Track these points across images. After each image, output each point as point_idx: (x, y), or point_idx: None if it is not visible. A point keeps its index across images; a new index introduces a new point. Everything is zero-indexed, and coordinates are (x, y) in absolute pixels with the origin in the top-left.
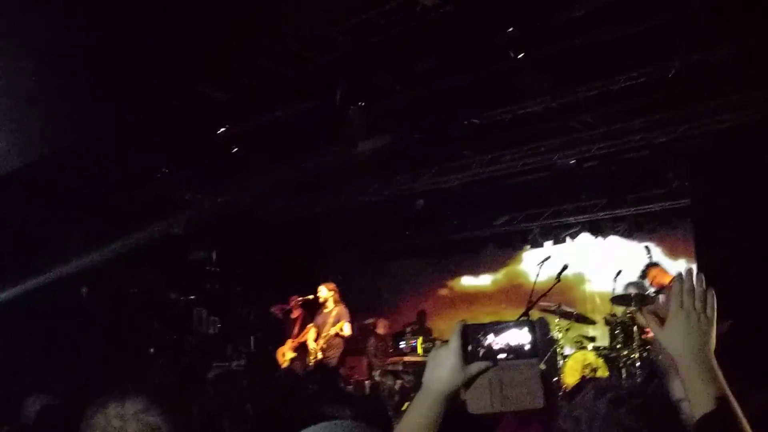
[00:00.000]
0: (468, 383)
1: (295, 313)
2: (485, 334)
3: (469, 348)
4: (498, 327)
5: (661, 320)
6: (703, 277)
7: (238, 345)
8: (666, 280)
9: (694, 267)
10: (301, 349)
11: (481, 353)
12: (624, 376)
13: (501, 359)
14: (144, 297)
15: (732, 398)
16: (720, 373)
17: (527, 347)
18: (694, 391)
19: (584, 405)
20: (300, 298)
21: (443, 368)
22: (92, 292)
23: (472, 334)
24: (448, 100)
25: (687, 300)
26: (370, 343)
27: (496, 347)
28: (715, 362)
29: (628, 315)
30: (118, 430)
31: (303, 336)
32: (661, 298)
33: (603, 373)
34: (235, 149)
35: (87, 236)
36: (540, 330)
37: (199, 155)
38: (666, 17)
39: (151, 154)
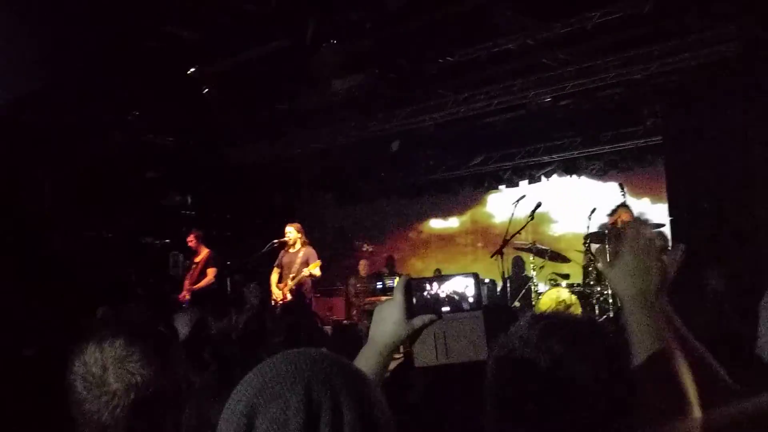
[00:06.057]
0: (413, 337)
1: (198, 255)
2: (429, 288)
3: (414, 301)
4: (442, 280)
5: (612, 258)
6: (663, 232)
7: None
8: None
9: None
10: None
11: (425, 307)
12: (597, 312)
13: (445, 312)
14: (119, 241)
15: (672, 346)
16: (663, 320)
17: (471, 299)
18: (633, 332)
19: (518, 334)
20: (194, 236)
21: (387, 322)
22: (67, 237)
23: (416, 288)
24: (422, 38)
25: (639, 244)
26: (351, 283)
27: (440, 300)
28: (659, 307)
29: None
30: (98, 378)
31: (206, 279)
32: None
33: (576, 309)
34: (206, 90)
35: (59, 183)
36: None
37: (169, 97)
38: None
39: (121, 96)
